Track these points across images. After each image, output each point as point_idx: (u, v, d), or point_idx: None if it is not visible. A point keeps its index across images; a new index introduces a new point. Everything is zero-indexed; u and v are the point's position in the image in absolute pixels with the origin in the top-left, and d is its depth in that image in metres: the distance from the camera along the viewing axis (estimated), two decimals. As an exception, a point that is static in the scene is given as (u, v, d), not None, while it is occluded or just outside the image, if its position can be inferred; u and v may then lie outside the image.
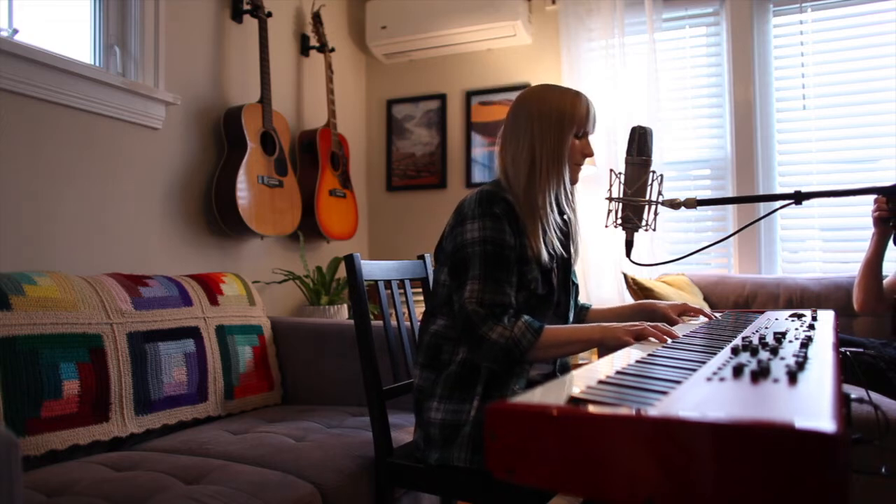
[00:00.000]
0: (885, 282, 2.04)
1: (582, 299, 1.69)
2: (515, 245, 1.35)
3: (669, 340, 1.08)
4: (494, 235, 1.32)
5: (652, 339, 1.15)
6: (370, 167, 3.54)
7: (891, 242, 1.92)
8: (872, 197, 2.33)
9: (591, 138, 1.46)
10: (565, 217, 1.51)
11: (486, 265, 1.31)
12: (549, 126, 1.38)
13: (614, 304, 2.80)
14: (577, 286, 1.57)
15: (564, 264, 1.50)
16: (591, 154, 1.44)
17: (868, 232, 2.58)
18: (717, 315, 1.50)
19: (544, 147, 1.38)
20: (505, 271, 1.32)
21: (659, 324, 1.19)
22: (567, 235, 1.52)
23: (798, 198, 1.29)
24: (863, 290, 2.04)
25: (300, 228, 2.72)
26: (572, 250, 1.53)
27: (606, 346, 1.25)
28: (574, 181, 1.47)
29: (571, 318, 1.53)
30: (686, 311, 1.49)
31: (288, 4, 2.97)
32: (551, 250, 1.41)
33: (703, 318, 1.47)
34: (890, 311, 2.06)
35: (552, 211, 1.41)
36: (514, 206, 1.37)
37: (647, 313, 1.56)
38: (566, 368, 1.52)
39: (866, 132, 2.72)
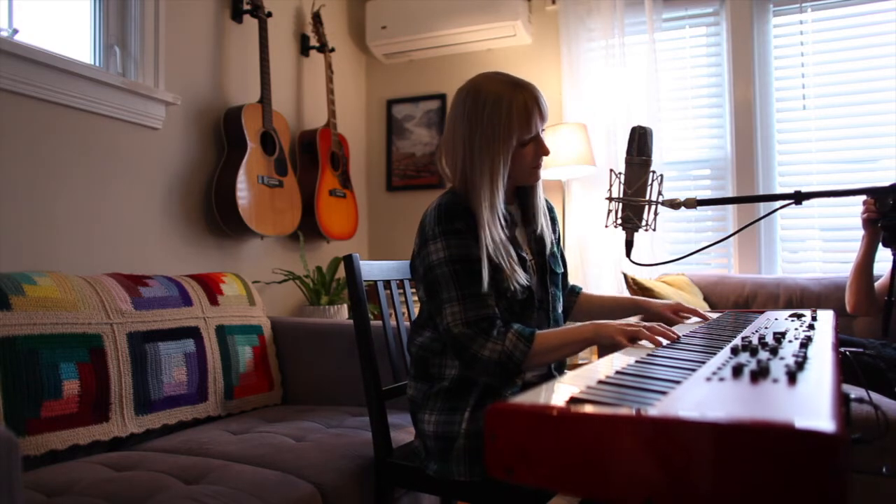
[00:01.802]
0: (876, 284, 2.04)
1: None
2: (483, 256, 1.29)
3: (665, 342, 1.07)
4: (460, 252, 1.28)
5: (646, 341, 1.12)
6: (370, 167, 3.54)
7: (881, 244, 1.92)
8: (871, 197, 2.32)
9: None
10: (526, 208, 1.46)
11: (459, 285, 1.27)
12: (482, 144, 1.28)
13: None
14: (562, 274, 1.52)
15: (540, 260, 1.44)
16: (545, 153, 1.35)
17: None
18: (713, 315, 1.49)
19: (475, 166, 1.30)
20: (479, 285, 1.28)
21: (655, 324, 1.16)
22: (533, 229, 1.45)
23: (798, 198, 1.29)
24: (854, 293, 2.04)
25: (300, 228, 2.72)
26: (548, 240, 1.46)
27: (600, 344, 1.24)
28: (534, 181, 1.40)
29: (560, 308, 1.50)
30: (680, 311, 1.47)
31: (288, 4, 2.97)
32: (521, 254, 1.37)
33: (696, 319, 1.46)
34: (881, 313, 2.05)
35: (503, 218, 1.34)
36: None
37: (641, 310, 1.54)
38: (562, 368, 1.52)
39: (866, 132, 2.72)
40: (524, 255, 1.40)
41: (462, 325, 1.26)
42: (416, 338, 1.42)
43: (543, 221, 1.46)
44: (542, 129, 1.36)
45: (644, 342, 1.12)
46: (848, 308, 2.10)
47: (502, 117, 1.28)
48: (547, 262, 1.45)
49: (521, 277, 1.33)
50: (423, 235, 1.34)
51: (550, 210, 1.53)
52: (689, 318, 1.47)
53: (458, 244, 1.29)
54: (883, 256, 2.02)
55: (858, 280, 2.01)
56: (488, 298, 1.29)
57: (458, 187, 1.37)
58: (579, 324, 1.29)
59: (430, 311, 1.35)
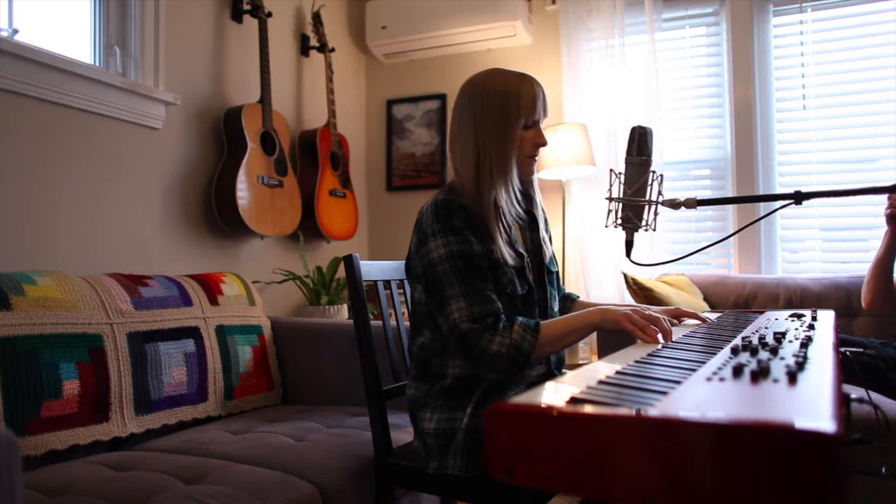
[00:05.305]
0: None
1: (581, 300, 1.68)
2: (483, 252, 1.31)
3: (662, 343, 1.06)
4: (461, 248, 1.29)
5: (649, 337, 1.12)
6: (370, 167, 3.54)
7: None
8: (873, 197, 2.31)
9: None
10: (529, 210, 1.48)
11: (462, 280, 1.28)
12: (493, 119, 1.33)
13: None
14: (556, 273, 1.54)
15: (537, 259, 1.47)
16: (543, 143, 1.39)
17: (868, 232, 2.57)
18: (712, 316, 1.48)
19: (489, 143, 1.33)
20: (482, 280, 1.29)
21: (662, 319, 1.15)
22: (535, 229, 1.49)
23: (798, 198, 1.28)
24: (871, 290, 2.00)
25: (300, 228, 2.72)
26: (543, 242, 1.50)
27: (605, 329, 1.25)
28: (528, 174, 1.43)
29: (556, 308, 1.51)
30: (679, 316, 1.47)
31: (288, 4, 2.97)
32: (518, 249, 1.38)
33: (696, 322, 1.45)
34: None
35: (510, 209, 1.37)
36: (472, 212, 1.32)
37: None
38: (562, 364, 1.52)
39: (866, 132, 2.72)
40: (522, 251, 1.41)
41: (469, 321, 1.26)
42: (416, 338, 1.42)
43: (542, 223, 1.50)
44: (542, 120, 1.40)
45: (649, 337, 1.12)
46: (864, 305, 2.06)
47: (511, 99, 1.33)
48: (544, 262, 1.48)
49: (514, 245, 1.36)
50: (422, 233, 1.34)
51: (543, 210, 1.56)
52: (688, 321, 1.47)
53: (457, 241, 1.29)
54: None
55: (877, 276, 1.97)
56: (491, 294, 1.29)
57: (464, 180, 1.36)
58: (584, 310, 1.30)
59: (430, 310, 1.35)
